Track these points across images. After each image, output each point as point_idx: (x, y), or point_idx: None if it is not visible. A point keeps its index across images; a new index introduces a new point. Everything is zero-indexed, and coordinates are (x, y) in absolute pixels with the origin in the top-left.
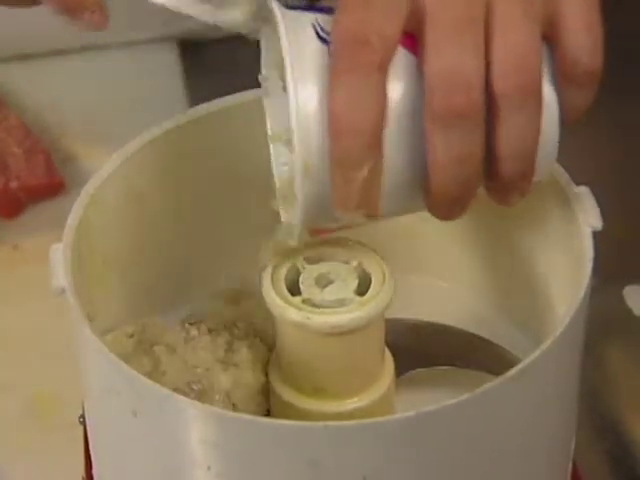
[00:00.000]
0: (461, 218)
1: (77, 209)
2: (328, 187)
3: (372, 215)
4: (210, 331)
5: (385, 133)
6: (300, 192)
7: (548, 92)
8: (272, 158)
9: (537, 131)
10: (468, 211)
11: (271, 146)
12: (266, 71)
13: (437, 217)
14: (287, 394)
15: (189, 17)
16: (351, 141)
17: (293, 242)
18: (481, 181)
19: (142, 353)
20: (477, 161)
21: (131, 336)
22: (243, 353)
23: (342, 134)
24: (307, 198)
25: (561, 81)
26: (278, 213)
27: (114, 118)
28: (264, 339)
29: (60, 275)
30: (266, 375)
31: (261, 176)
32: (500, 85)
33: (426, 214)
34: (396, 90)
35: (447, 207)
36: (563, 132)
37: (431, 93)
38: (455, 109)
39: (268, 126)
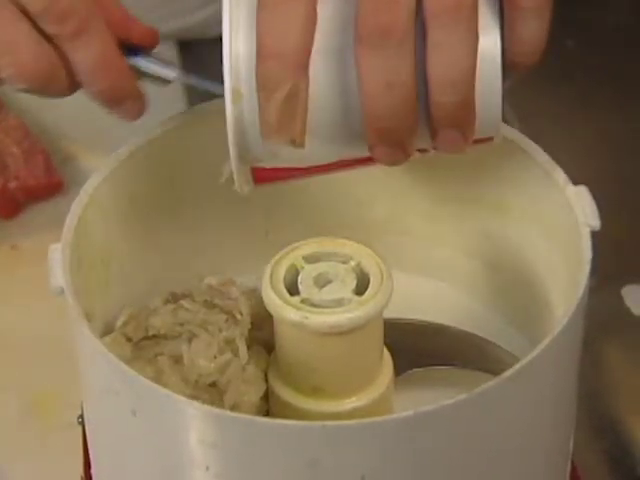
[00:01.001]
0: (461, 218)
1: (76, 209)
2: (252, 116)
3: (297, 143)
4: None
5: (312, 57)
6: (229, 119)
7: (486, 20)
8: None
9: (472, 56)
10: (469, 209)
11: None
12: None
13: (380, 161)
14: (286, 394)
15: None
16: (274, 62)
17: (238, 188)
18: (416, 113)
19: (145, 362)
20: (409, 87)
21: (129, 339)
22: (249, 371)
23: (266, 55)
24: (236, 125)
25: (504, 8)
26: (277, 211)
27: (113, 118)
28: (264, 341)
29: (59, 275)
30: (266, 380)
31: None
32: (430, 4)
33: (424, 211)
34: (325, 12)
35: (386, 145)
36: (561, 132)
37: (358, 14)
38: (381, 27)
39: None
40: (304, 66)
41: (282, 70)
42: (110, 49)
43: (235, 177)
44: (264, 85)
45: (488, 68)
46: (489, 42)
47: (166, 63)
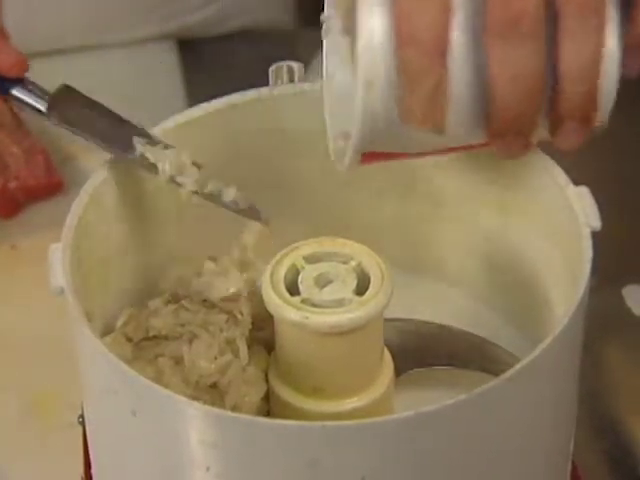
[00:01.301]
0: (461, 218)
1: (76, 209)
2: (387, 104)
3: (439, 129)
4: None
5: (449, 45)
6: (359, 109)
7: (610, 17)
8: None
9: (601, 45)
10: (469, 210)
11: (325, 82)
12: (329, 10)
13: (499, 152)
14: (286, 394)
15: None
16: (414, 50)
17: (341, 166)
18: (540, 105)
19: (146, 363)
20: (537, 79)
21: (130, 339)
22: (249, 372)
23: (405, 43)
24: (366, 115)
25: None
26: (277, 210)
27: None
28: (265, 341)
29: (59, 275)
30: (267, 380)
31: (260, 175)
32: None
33: (424, 211)
34: (460, 2)
35: (508, 136)
36: None
37: (487, 2)
38: (510, 17)
39: (324, 65)
40: (443, 54)
41: (423, 58)
42: None
43: (347, 161)
44: (408, 75)
45: (610, 59)
46: (611, 32)
47: (38, 96)
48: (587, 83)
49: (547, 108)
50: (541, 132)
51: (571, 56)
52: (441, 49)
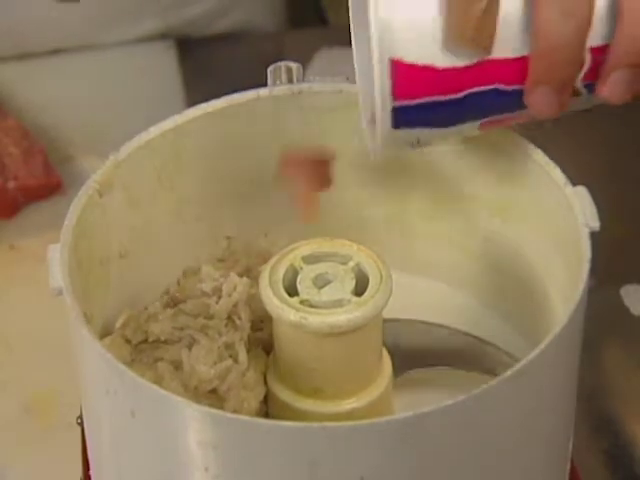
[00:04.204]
0: (460, 218)
1: (75, 209)
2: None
3: (487, 50)
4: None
5: None
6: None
7: None
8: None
9: None
10: (468, 210)
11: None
12: None
13: (535, 106)
14: (285, 395)
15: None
16: None
17: (373, 154)
18: (584, 49)
19: (146, 367)
20: (585, 17)
21: (128, 341)
22: (249, 376)
23: None
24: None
25: None
26: (277, 210)
27: (112, 118)
28: (264, 342)
29: (57, 276)
30: (265, 382)
31: (260, 175)
32: None
33: (424, 211)
34: None
35: (548, 84)
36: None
37: None
38: None
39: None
40: None
41: None
42: None
43: (376, 149)
44: None
45: None
46: None
47: None
48: None
49: (590, 65)
50: (578, 100)
51: None
52: None
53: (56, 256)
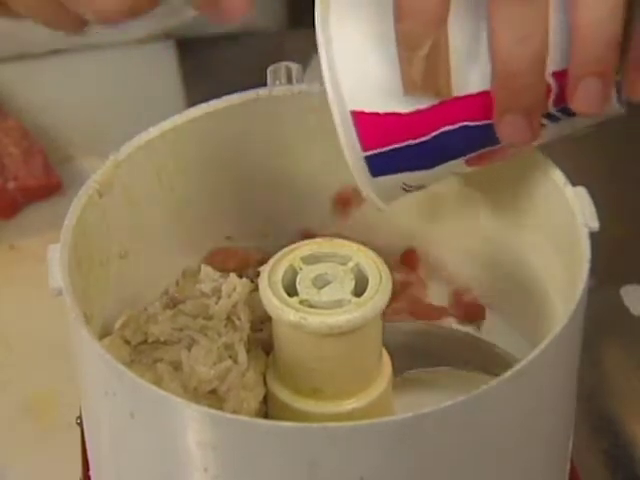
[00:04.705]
0: (460, 219)
1: (74, 210)
2: None
3: (443, 94)
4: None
5: (449, 12)
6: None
7: None
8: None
9: None
10: (468, 210)
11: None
12: None
13: (505, 136)
14: (285, 395)
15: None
16: (412, 21)
17: (382, 206)
18: (544, 72)
19: (145, 368)
20: (543, 40)
21: (128, 342)
22: (248, 377)
23: (404, 16)
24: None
25: None
26: (277, 211)
27: (112, 118)
28: (263, 342)
29: (57, 276)
30: (265, 383)
31: (260, 175)
32: None
33: (423, 212)
34: None
35: (514, 113)
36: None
37: None
38: None
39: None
40: (443, 20)
41: (422, 27)
42: None
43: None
44: (405, 44)
45: None
46: None
47: None
48: (606, 31)
49: (557, 90)
50: (560, 126)
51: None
52: (442, 15)
53: (56, 256)
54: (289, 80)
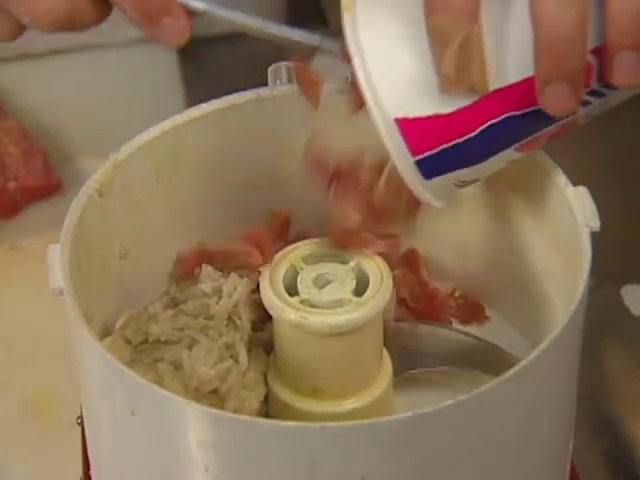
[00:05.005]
0: (460, 218)
1: (75, 209)
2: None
3: (479, 88)
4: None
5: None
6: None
7: None
8: None
9: None
10: (468, 210)
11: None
12: None
13: (550, 106)
14: (285, 395)
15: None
16: (443, 15)
17: (438, 205)
18: (587, 38)
19: (146, 368)
20: (585, 3)
21: (129, 342)
22: (249, 376)
23: (435, 10)
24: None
25: None
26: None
27: (112, 118)
28: (264, 342)
29: (58, 276)
30: (266, 382)
31: (260, 175)
32: None
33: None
34: None
35: (559, 80)
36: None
37: None
38: None
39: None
40: (474, 13)
41: (453, 21)
42: None
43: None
44: (437, 40)
45: None
46: None
47: None
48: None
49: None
50: (603, 101)
51: None
52: (472, 9)
53: (56, 256)
54: (289, 80)
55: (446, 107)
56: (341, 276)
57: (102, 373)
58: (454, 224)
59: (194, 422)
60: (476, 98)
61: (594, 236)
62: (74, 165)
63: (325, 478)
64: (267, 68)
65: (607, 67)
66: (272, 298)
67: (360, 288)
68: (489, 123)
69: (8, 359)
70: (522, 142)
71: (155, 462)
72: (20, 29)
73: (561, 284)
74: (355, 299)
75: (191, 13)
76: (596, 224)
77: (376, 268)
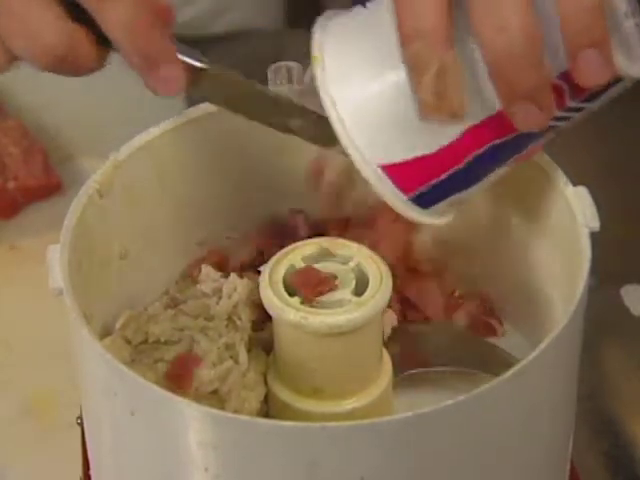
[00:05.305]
0: (459, 218)
1: (75, 210)
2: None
3: (457, 115)
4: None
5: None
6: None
7: None
8: None
9: None
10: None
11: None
12: None
13: (520, 124)
14: (285, 395)
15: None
16: (417, 43)
17: (440, 224)
18: (541, 53)
19: (146, 368)
20: (519, 25)
21: (128, 342)
22: (249, 377)
23: (408, 40)
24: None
25: None
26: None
27: (112, 118)
28: (264, 342)
29: (58, 276)
30: (266, 383)
31: (260, 176)
32: None
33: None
34: None
35: (519, 100)
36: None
37: None
38: None
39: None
40: (449, 39)
41: (428, 47)
42: (141, 5)
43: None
44: (414, 68)
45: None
46: None
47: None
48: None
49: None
50: (581, 114)
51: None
52: (446, 35)
53: (56, 256)
54: (289, 80)
55: (429, 147)
56: (341, 276)
57: (102, 373)
58: (453, 224)
59: (194, 422)
60: (458, 133)
61: (594, 236)
62: (74, 165)
63: (325, 478)
64: (267, 68)
65: (574, 71)
66: (272, 298)
67: (360, 288)
68: (474, 154)
69: (8, 359)
70: (512, 159)
71: (155, 462)
72: (16, 59)
73: (561, 284)
74: (355, 299)
75: (190, 69)
76: (596, 224)
77: (376, 268)
